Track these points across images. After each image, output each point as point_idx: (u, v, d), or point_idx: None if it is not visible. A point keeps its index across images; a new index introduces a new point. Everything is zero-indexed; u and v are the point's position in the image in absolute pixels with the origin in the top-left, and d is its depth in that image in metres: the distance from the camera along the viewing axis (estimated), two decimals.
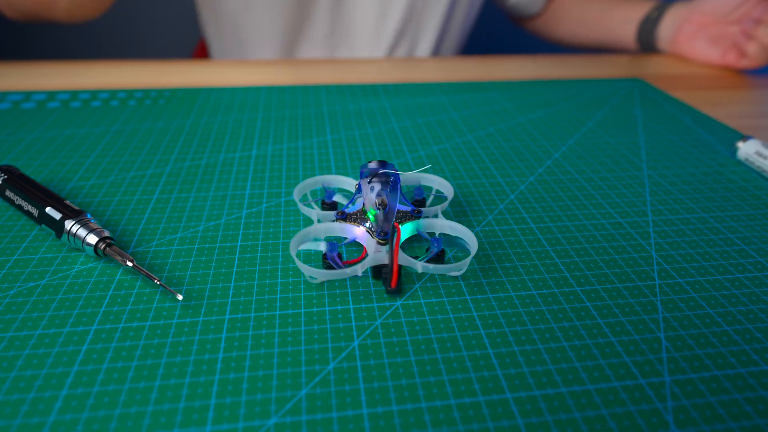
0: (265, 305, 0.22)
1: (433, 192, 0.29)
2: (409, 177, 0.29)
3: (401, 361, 0.20)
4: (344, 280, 0.24)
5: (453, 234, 0.25)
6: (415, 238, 0.27)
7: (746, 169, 0.36)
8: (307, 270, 0.22)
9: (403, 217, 0.26)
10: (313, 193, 0.31)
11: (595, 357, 0.20)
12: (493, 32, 1.55)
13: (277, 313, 0.22)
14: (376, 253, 0.23)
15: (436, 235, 0.27)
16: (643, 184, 0.33)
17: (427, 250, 0.25)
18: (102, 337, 0.20)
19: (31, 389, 0.18)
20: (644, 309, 0.23)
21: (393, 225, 0.23)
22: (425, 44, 0.65)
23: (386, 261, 0.23)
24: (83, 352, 0.20)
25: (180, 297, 0.22)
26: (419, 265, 0.23)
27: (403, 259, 0.23)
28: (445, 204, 0.27)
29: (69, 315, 0.21)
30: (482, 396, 0.19)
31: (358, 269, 0.23)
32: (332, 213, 0.26)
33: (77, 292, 0.23)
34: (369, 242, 0.24)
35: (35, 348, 0.20)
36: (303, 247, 0.25)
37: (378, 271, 0.24)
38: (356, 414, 0.18)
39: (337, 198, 0.29)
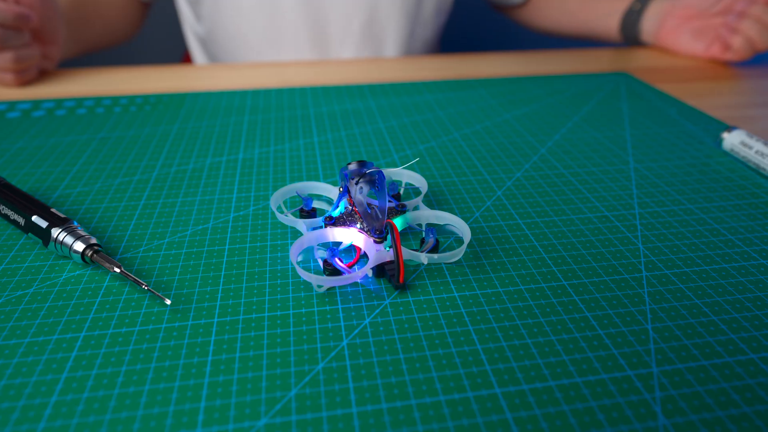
0: (254, 307, 0.22)
1: (403, 185, 0.30)
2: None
3: (390, 359, 0.20)
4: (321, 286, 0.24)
5: (441, 223, 0.26)
6: (406, 232, 0.27)
7: (731, 159, 0.36)
8: (314, 279, 0.22)
9: (389, 214, 0.26)
10: (292, 200, 0.30)
11: (583, 350, 0.20)
12: (472, 26, 1.55)
13: (266, 315, 0.22)
14: (378, 252, 0.23)
15: (424, 226, 0.27)
16: (629, 177, 0.34)
17: (422, 241, 0.25)
18: (91, 344, 0.20)
19: (21, 397, 0.18)
20: (631, 301, 0.23)
21: (387, 222, 0.23)
22: (392, 41, 0.64)
23: (388, 259, 0.23)
24: (72, 358, 0.20)
25: (168, 302, 0.22)
26: (423, 257, 0.23)
27: (406, 253, 0.23)
28: (421, 195, 0.28)
29: (57, 322, 0.21)
30: (471, 392, 0.19)
31: (366, 271, 0.23)
32: (317, 220, 0.26)
33: (65, 300, 0.23)
34: (366, 242, 0.24)
35: (24, 356, 0.20)
36: (300, 258, 0.25)
37: (381, 269, 0.24)
38: (346, 413, 0.18)
39: (316, 204, 0.29)
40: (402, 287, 0.23)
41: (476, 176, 0.33)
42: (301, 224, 0.26)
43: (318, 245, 0.26)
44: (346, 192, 0.26)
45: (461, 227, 0.26)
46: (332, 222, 0.25)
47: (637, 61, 0.58)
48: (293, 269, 0.25)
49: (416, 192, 0.32)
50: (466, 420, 0.18)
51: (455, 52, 1.55)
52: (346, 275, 0.22)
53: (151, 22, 1.51)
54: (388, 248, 0.24)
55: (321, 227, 0.26)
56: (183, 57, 0.86)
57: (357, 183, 0.25)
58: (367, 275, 0.24)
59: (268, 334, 0.21)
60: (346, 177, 0.25)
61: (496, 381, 0.19)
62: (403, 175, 0.30)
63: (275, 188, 0.32)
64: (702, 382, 0.19)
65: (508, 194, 0.31)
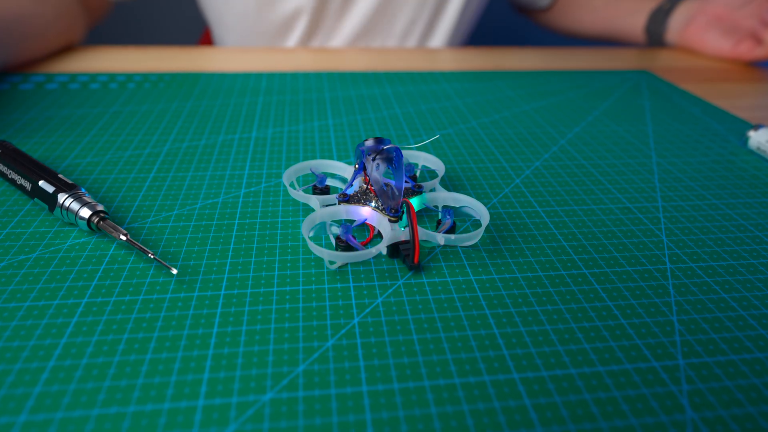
0: (263, 282, 0.21)
1: (419, 167, 0.29)
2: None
3: (403, 339, 0.19)
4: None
5: (457, 205, 0.25)
6: (421, 213, 0.26)
7: (758, 157, 0.35)
8: (326, 254, 0.21)
9: (405, 194, 0.25)
10: (305, 178, 0.30)
11: (605, 339, 0.20)
12: (497, 25, 1.54)
13: (275, 289, 0.21)
14: (393, 231, 0.23)
15: (440, 207, 0.26)
16: (652, 171, 0.33)
17: (439, 222, 0.25)
18: (93, 310, 0.20)
19: (18, 360, 0.18)
20: (656, 292, 0.22)
21: (404, 201, 0.23)
22: (440, 35, 0.64)
23: (402, 238, 0.23)
24: (73, 324, 0.19)
25: (174, 271, 0.21)
26: (440, 237, 0.23)
27: (422, 233, 0.23)
28: (438, 177, 0.27)
29: (59, 288, 0.21)
30: (487, 376, 0.18)
31: (381, 248, 0.22)
32: (330, 197, 0.25)
33: (69, 266, 0.22)
34: (380, 220, 0.23)
35: (23, 319, 0.19)
36: (312, 233, 0.24)
37: (395, 248, 0.23)
38: (355, 391, 0.17)
39: (329, 182, 0.28)
40: (416, 267, 0.22)
41: (494, 163, 0.32)
42: (314, 200, 0.25)
43: (331, 222, 0.25)
44: (361, 169, 0.25)
45: (479, 210, 0.25)
46: (346, 199, 0.25)
47: (659, 61, 0.57)
48: (304, 246, 0.24)
49: (432, 175, 0.31)
50: (481, 404, 0.17)
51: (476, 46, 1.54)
52: (360, 252, 0.21)
53: (168, 3, 1.51)
54: (403, 228, 0.23)
55: (334, 204, 0.25)
56: (200, 40, 0.86)
57: (374, 160, 0.24)
58: (381, 253, 0.23)
59: (276, 309, 0.20)
60: (363, 153, 0.24)
61: (513, 366, 0.18)
62: (419, 157, 0.29)
63: (288, 166, 0.31)
64: (731, 376, 0.18)
65: (527, 182, 0.30)
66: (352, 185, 0.25)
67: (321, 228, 0.25)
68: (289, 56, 0.52)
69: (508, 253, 0.24)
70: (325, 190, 0.27)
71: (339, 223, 0.25)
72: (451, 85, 0.46)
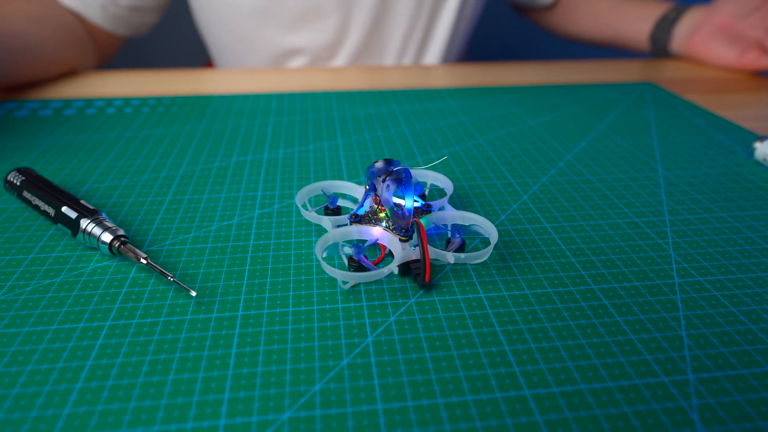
0: (278, 302, 0.22)
1: (428, 186, 0.30)
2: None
3: (416, 357, 0.20)
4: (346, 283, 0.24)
5: (467, 223, 0.26)
6: (431, 232, 0.27)
7: (764, 169, 0.35)
8: (339, 275, 0.22)
9: (415, 213, 0.25)
10: (317, 199, 0.30)
11: (614, 354, 0.20)
12: (496, 36, 1.55)
13: (290, 309, 0.22)
14: (404, 251, 0.23)
15: (449, 226, 0.27)
16: (658, 184, 0.33)
17: (448, 241, 0.25)
18: (116, 333, 0.20)
19: (47, 383, 0.18)
20: (664, 307, 0.22)
21: (414, 220, 0.23)
22: (434, 51, 0.65)
23: (413, 257, 0.23)
24: (98, 346, 0.20)
25: (193, 293, 0.21)
26: (450, 256, 0.23)
27: (433, 252, 0.23)
28: (447, 196, 0.28)
29: (84, 311, 0.21)
30: (500, 392, 0.18)
31: (393, 268, 0.22)
32: (342, 218, 0.26)
33: (92, 289, 0.23)
34: (391, 240, 0.24)
35: (51, 342, 0.20)
36: (325, 254, 0.25)
37: (407, 267, 0.23)
38: (371, 409, 0.17)
39: (341, 203, 0.29)
40: (427, 286, 0.23)
41: (501, 180, 0.33)
42: (326, 221, 0.25)
43: (343, 242, 0.26)
44: (372, 190, 0.25)
45: (488, 228, 0.25)
46: (357, 220, 0.25)
47: (663, 72, 0.57)
48: (317, 266, 0.24)
49: (441, 193, 0.31)
50: (494, 421, 0.17)
51: (478, 61, 1.55)
52: (372, 272, 0.22)
53: (174, 26, 1.54)
54: (413, 247, 0.24)
55: (346, 224, 0.26)
56: (207, 62, 0.88)
57: (384, 181, 0.24)
58: (392, 273, 0.24)
59: (292, 329, 0.21)
60: (373, 175, 0.25)
61: (525, 382, 0.19)
62: (428, 176, 0.30)
63: (300, 187, 0.32)
64: (741, 391, 0.18)
65: (534, 198, 0.31)
66: (363, 205, 0.26)
67: (333, 248, 0.25)
68: (295, 76, 0.54)
69: (517, 270, 0.24)
70: (337, 211, 0.27)
71: (351, 243, 0.26)
72: (456, 102, 0.47)
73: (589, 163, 0.36)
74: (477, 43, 1.53)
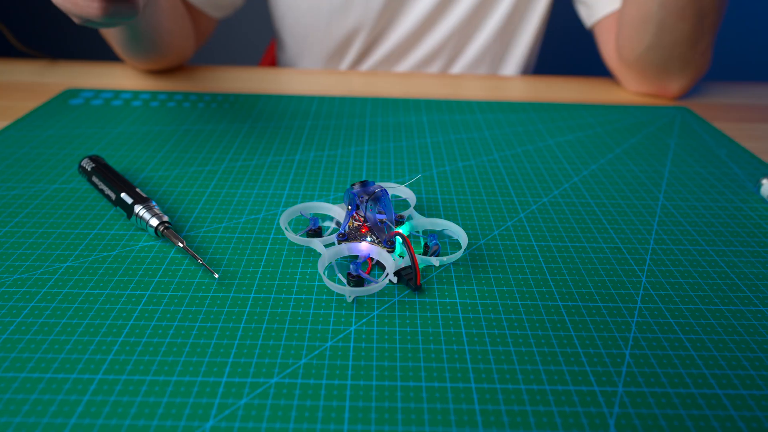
0: (284, 289, 0.27)
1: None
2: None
3: (387, 347, 0.23)
4: (342, 282, 0.27)
5: (438, 228, 0.29)
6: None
7: (767, 206, 0.36)
8: (347, 291, 0.25)
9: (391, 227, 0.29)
10: (303, 221, 0.32)
11: (558, 363, 0.23)
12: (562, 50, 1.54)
13: (293, 296, 0.26)
14: (394, 260, 0.26)
15: (420, 232, 0.30)
16: (654, 213, 0.35)
17: (426, 246, 0.29)
18: (153, 301, 0.25)
19: (98, 334, 0.24)
20: (618, 328, 0.25)
21: (397, 233, 0.27)
22: (512, 64, 0.67)
23: (402, 265, 0.27)
24: (138, 311, 0.25)
25: (216, 275, 0.26)
26: (434, 260, 0.27)
27: (420, 259, 0.27)
28: (411, 207, 0.31)
29: (130, 281, 0.27)
30: (449, 383, 0.22)
31: (391, 277, 0.26)
32: (328, 238, 0.28)
33: (138, 264, 0.28)
34: (380, 252, 0.27)
35: (103, 304, 0.25)
36: (326, 273, 0.27)
37: (398, 274, 0.27)
38: (341, 384, 0.22)
39: (321, 223, 0.31)
40: (419, 289, 0.26)
41: (504, 197, 0.36)
42: (315, 242, 0.28)
43: (336, 260, 0.28)
44: (354, 210, 0.28)
45: (457, 231, 0.29)
46: (345, 238, 0.28)
47: (707, 94, 0.57)
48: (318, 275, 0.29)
49: (405, 205, 0.34)
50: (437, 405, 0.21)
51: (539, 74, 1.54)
52: (374, 284, 0.25)
53: (234, 19, 1.62)
54: (398, 256, 0.27)
55: (333, 243, 0.28)
56: (264, 52, 0.94)
57: (366, 201, 0.28)
58: (390, 281, 0.27)
59: (291, 312, 0.25)
60: (354, 196, 0.28)
61: (473, 378, 0.22)
62: (394, 189, 0.32)
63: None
64: (661, 406, 0.21)
65: (530, 217, 0.34)
66: (345, 224, 0.29)
67: (330, 268, 0.28)
68: (342, 79, 0.58)
69: (494, 282, 0.28)
70: (318, 231, 0.30)
71: (348, 261, 0.29)
72: (484, 116, 0.50)
73: (594, 186, 0.38)
74: (557, 55, 1.51)
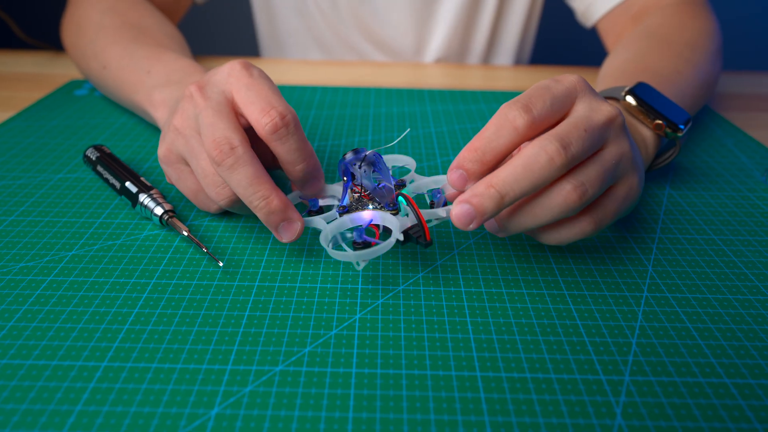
0: (288, 278, 0.27)
1: (390, 168, 0.32)
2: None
3: (392, 335, 0.23)
4: (347, 270, 0.27)
5: (440, 185, 0.29)
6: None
7: None
8: (352, 256, 0.24)
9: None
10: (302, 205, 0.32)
11: (564, 352, 0.23)
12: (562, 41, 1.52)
13: (297, 285, 0.26)
14: (399, 220, 0.25)
15: (426, 191, 0.30)
16: (660, 202, 0.35)
17: (432, 203, 0.28)
18: (158, 289, 0.25)
19: (103, 322, 0.24)
20: (624, 317, 0.25)
21: (398, 193, 0.26)
22: (506, 52, 0.66)
23: (408, 224, 0.26)
24: (143, 299, 0.25)
25: (221, 264, 0.26)
26: (442, 211, 0.26)
27: (426, 213, 0.26)
28: (412, 171, 0.30)
29: (135, 269, 0.27)
30: (454, 371, 0.22)
31: (397, 235, 0.25)
32: (330, 214, 0.28)
33: (143, 252, 0.28)
34: (384, 217, 0.26)
35: (108, 291, 0.25)
36: (331, 246, 0.26)
37: (406, 234, 0.26)
38: (346, 371, 0.22)
39: (321, 203, 0.30)
40: (430, 244, 0.25)
41: None
42: (317, 220, 0.27)
43: (340, 233, 0.28)
44: (351, 180, 0.28)
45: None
46: (346, 210, 0.28)
47: (720, 84, 0.57)
48: (325, 251, 0.28)
49: (406, 172, 0.34)
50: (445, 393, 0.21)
51: (537, 64, 1.53)
52: (382, 244, 0.24)
53: (226, 17, 1.61)
54: (405, 215, 0.26)
55: (336, 218, 0.28)
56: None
57: (360, 167, 0.27)
58: (397, 240, 0.25)
59: (296, 301, 0.25)
60: (347, 165, 0.27)
61: (479, 366, 0.22)
62: (393, 160, 0.32)
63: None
64: (668, 395, 0.21)
65: None
66: (345, 197, 0.28)
67: (334, 240, 0.27)
68: (345, 69, 0.57)
69: (500, 270, 0.28)
70: (320, 211, 0.29)
71: (351, 231, 0.29)
72: (488, 106, 0.49)
73: None
74: (559, 44, 1.50)
